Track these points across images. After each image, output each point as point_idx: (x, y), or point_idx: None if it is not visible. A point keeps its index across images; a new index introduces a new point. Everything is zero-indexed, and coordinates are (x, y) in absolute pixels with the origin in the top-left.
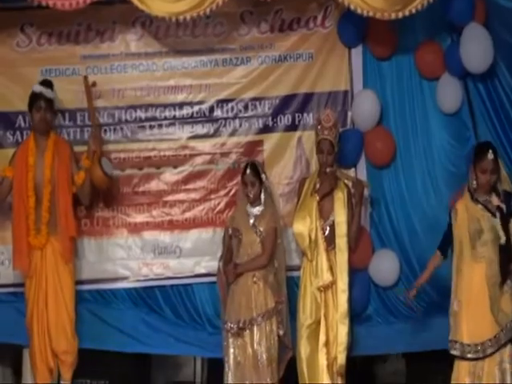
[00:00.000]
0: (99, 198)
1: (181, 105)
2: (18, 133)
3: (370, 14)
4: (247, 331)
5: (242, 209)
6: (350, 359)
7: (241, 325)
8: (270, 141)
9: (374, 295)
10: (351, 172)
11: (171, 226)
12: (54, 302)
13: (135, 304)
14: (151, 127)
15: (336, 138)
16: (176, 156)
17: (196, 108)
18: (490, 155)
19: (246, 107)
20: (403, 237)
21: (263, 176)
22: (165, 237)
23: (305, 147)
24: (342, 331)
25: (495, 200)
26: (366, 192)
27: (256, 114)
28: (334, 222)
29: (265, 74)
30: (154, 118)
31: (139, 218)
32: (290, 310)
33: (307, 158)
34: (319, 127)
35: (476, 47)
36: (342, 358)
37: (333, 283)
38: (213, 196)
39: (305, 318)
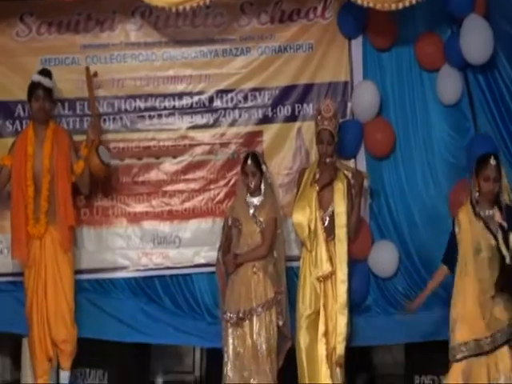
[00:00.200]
0: (98, 187)
1: (180, 95)
2: (17, 122)
3: (370, 4)
4: (247, 321)
5: (241, 199)
6: (349, 350)
7: (240, 315)
8: (270, 131)
9: (373, 286)
10: (351, 163)
11: (171, 215)
12: (53, 292)
13: (134, 294)
14: (151, 117)
15: (336, 129)
16: (175, 146)
17: (196, 98)
18: (493, 161)
19: (245, 98)
20: (402, 228)
21: (264, 166)
22: (164, 227)
23: (304, 138)
24: (341, 322)
25: (497, 216)
26: (366, 183)
27: (256, 104)
28: (333, 212)
29: (265, 65)
30: (153, 108)
31: (139, 207)
32: (290, 300)
33: (307, 149)
34: (319, 117)
35: (476, 38)
36: (340, 349)
37: (332, 274)
38: (212, 186)
39: (304, 308)
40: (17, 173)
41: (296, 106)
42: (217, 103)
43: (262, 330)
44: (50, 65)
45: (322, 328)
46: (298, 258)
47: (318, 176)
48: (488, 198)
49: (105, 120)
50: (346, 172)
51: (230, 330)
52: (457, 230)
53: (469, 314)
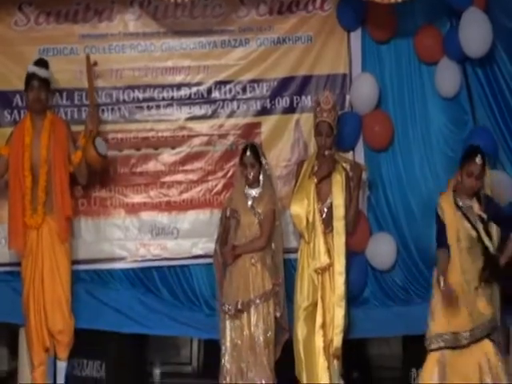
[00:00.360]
0: (97, 178)
1: (179, 86)
2: (15, 112)
3: None
4: (244, 313)
5: (239, 190)
6: (347, 342)
7: (239, 306)
8: (268, 123)
9: (371, 278)
10: (349, 155)
11: (169, 206)
12: (50, 282)
13: (132, 284)
14: (149, 108)
15: (335, 121)
16: (174, 137)
17: (194, 89)
18: (479, 160)
19: (244, 89)
20: (400, 220)
21: (262, 158)
22: (162, 218)
23: (303, 130)
24: (339, 314)
25: (476, 207)
26: (364, 175)
27: (254, 95)
28: (331, 204)
29: (263, 56)
30: (151, 99)
31: (137, 198)
32: (287, 292)
33: (305, 141)
34: (318, 109)
35: (475, 31)
36: (338, 341)
37: (330, 266)
38: (210, 177)
39: (302, 299)
40: (14, 163)
41: (294, 97)
42: (215, 94)
43: (260, 321)
44: (48, 55)
45: (319, 320)
46: (295, 250)
47: (316, 168)
48: (468, 192)
49: (103, 110)
50: (344, 164)
51: (227, 322)
52: (440, 214)
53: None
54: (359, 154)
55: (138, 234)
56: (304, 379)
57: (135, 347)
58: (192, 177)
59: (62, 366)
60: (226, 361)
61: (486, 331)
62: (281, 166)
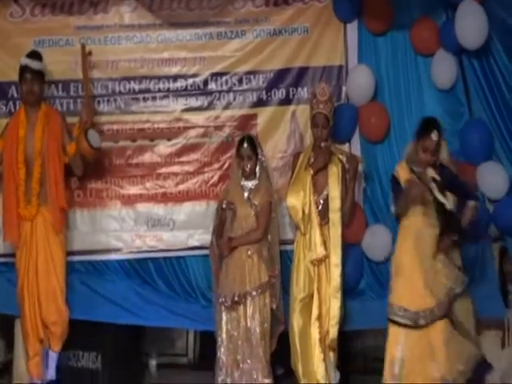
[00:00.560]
0: (92, 169)
1: (175, 77)
2: (10, 103)
3: None
4: (241, 305)
5: (236, 182)
6: (342, 333)
7: (236, 298)
8: (264, 114)
9: (366, 270)
10: (345, 147)
11: (165, 198)
12: (44, 273)
13: (128, 276)
14: (145, 99)
15: (331, 112)
16: (170, 128)
17: (190, 81)
18: (435, 136)
19: (240, 81)
20: None
21: (259, 150)
22: (158, 209)
23: (299, 121)
24: (335, 305)
25: (431, 171)
26: (360, 167)
27: (250, 87)
28: (327, 196)
29: (259, 48)
30: (147, 90)
31: (133, 190)
32: (283, 283)
33: (301, 133)
34: (314, 101)
35: (471, 23)
36: (334, 332)
37: (326, 257)
38: (206, 169)
39: (298, 291)
40: (8, 155)
41: (291, 89)
42: (211, 86)
43: (256, 313)
44: (43, 46)
45: (315, 311)
46: (291, 242)
47: (312, 160)
48: (423, 165)
49: (99, 102)
50: (340, 156)
51: (223, 314)
52: (397, 178)
53: (409, 272)
54: (355, 146)
55: (133, 226)
56: (300, 370)
57: (131, 338)
58: (188, 168)
59: (53, 356)
60: (222, 352)
61: (444, 309)
62: (277, 157)
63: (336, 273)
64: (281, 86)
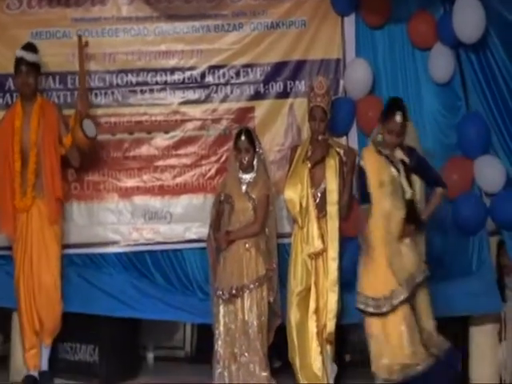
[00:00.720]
0: (90, 161)
1: (172, 70)
2: (7, 95)
3: None
4: (238, 298)
5: (233, 175)
6: (339, 327)
7: (233, 291)
8: (262, 107)
9: None
10: (343, 140)
11: (162, 191)
12: (38, 265)
13: (125, 268)
14: (142, 92)
15: (328, 106)
16: (167, 121)
17: (187, 73)
18: (399, 118)
19: (237, 73)
20: None
21: (257, 143)
22: (155, 202)
23: (296, 114)
24: (332, 299)
25: (399, 153)
26: (358, 160)
27: (248, 80)
28: (325, 189)
29: (257, 41)
30: (145, 83)
31: (130, 182)
32: (280, 277)
33: (298, 126)
34: (312, 94)
35: (468, 17)
36: (331, 326)
37: (323, 251)
38: (204, 162)
39: (295, 284)
40: (4, 147)
41: (288, 82)
42: (209, 79)
43: (254, 306)
44: (40, 38)
45: (312, 305)
46: (289, 235)
47: (310, 153)
48: (389, 147)
49: (96, 94)
50: (338, 149)
51: (221, 307)
52: (362, 165)
53: (376, 256)
54: (353, 139)
55: (131, 218)
56: (297, 364)
57: (128, 331)
58: (185, 161)
59: (45, 352)
60: (219, 345)
61: (406, 293)
62: (274, 150)
63: (333, 266)
64: (278, 79)
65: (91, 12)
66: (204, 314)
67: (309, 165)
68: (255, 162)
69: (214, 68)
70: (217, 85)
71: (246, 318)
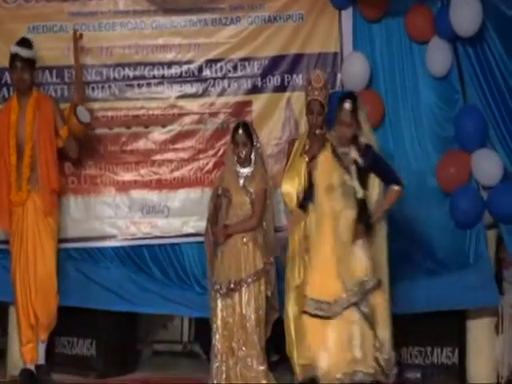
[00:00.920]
0: (87, 155)
1: (169, 64)
2: (4, 89)
3: None
4: (236, 292)
5: (231, 169)
6: None
7: (231, 285)
8: (259, 101)
9: None
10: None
11: (159, 185)
12: (33, 259)
13: (123, 263)
14: (139, 86)
15: (326, 99)
16: (164, 115)
17: (185, 67)
18: (348, 105)
19: (235, 67)
20: None
21: (254, 137)
22: (153, 196)
23: (294, 108)
24: None
25: (353, 153)
26: None
27: (245, 74)
28: None
29: (254, 35)
30: (142, 77)
31: (127, 176)
32: (278, 271)
33: (296, 119)
34: (309, 88)
35: (465, 10)
36: None
37: None
38: (201, 156)
39: (293, 278)
40: (0, 142)
41: (285, 76)
42: (206, 73)
43: (251, 300)
44: (37, 32)
45: None
46: (286, 229)
47: (307, 147)
48: (342, 141)
49: (93, 88)
50: None
51: (218, 301)
52: (314, 169)
53: (323, 261)
54: None
55: (128, 212)
56: (295, 357)
57: (126, 325)
58: (183, 155)
59: (40, 347)
60: (217, 339)
61: (355, 298)
62: (272, 144)
63: None
64: (276, 72)
65: (88, 6)
66: (201, 308)
67: (306, 158)
68: (253, 156)
69: (211, 62)
70: (214, 79)
71: (244, 311)
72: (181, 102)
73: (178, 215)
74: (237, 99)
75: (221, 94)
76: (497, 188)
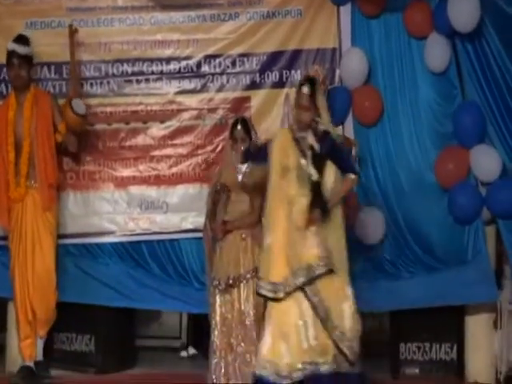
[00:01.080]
0: (86, 151)
1: (168, 60)
2: (2, 85)
3: None
4: (235, 288)
5: (229, 165)
6: None
7: (230, 281)
8: (258, 97)
9: (359, 253)
10: (339, 129)
11: (158, 180)
12: (32, 255)
13: (121, 258)
14: (138, 81)
15: (324, 95)
16: (163, 111)
17: (183, 63)
18: (306, 90)
19: (233, 63)
20: (389, 195)
21: (253, 132)
22: (151, 192)
23: (292, 104)
24: None
25: (310, 138)
26: (354, 150)
27: (244, 70)
28: None
29: (253, 30)
30: (140, 73)
31: (126, 172)
32: None
33: None
34: None
35: (463, 6)
36: None
37: None
38: (200, 151)
39: None
40: None
41: (284, 71)
42: (204, 68)
43: (250, 296)
44: (35, 28)
45: None
46: None
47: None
48: (300, 125)
49: (92, 84)
50: None
51: (217, 297)
52: (270, 151)
53: (278, 244)
54: (348, 129)
55: (126, 208)
56: None
57: (124, 321)
58: (181, 151)
59: (38, 343)
60: (216, 335)
61: (300, 281)
62: None
63: None
64: (274, 68)
65: (86, 2)
66: (200, 303)
67: None
68: None
69: (209, 57)
70: (213, 74)
71: (243, 307)
72: (179, 98)
73: (177, 211)
74: (235, 95)
75: (219, 89)
76: (495, 184)
